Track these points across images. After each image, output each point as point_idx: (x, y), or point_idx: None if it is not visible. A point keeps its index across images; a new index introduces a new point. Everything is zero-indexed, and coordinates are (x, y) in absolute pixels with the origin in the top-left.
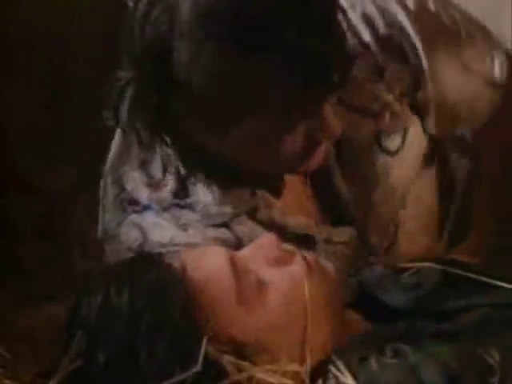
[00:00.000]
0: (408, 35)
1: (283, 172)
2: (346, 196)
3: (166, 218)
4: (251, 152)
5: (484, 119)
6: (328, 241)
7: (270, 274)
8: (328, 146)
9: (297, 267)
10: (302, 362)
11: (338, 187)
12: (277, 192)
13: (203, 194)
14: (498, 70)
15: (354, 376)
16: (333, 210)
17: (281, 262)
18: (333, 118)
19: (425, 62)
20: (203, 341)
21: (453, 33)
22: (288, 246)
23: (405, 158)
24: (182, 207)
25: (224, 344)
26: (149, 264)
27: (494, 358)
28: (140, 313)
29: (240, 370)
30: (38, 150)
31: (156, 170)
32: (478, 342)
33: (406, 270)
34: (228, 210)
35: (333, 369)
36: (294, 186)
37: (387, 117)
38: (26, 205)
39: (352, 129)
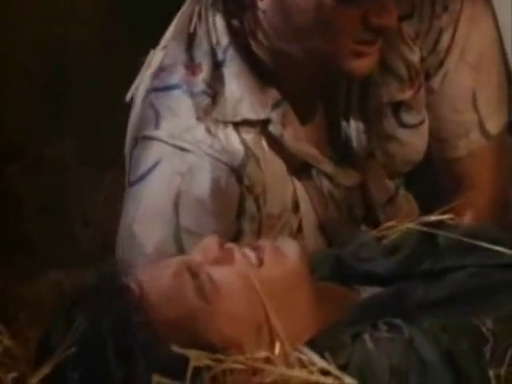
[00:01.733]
0: None
1: (332, 67)
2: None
3: (186, 104)
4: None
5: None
6: (330, 178)
7: (217, 273)
8: (377, 56)
9: (240, 264)
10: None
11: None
12: (300, 113)
13: (230, 88)
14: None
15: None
16: (340, 150)
17: (224, 261)
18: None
19: None
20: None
21: None
22: (230, 245)
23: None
24: (207, 96)
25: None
26: (108, 291)
27: (486, 325)
28: (103, 338)
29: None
30: (39, 121)
31: (199, 53)
32: (469, 309)
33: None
34: (245, 111)
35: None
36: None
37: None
38: (29, 176)
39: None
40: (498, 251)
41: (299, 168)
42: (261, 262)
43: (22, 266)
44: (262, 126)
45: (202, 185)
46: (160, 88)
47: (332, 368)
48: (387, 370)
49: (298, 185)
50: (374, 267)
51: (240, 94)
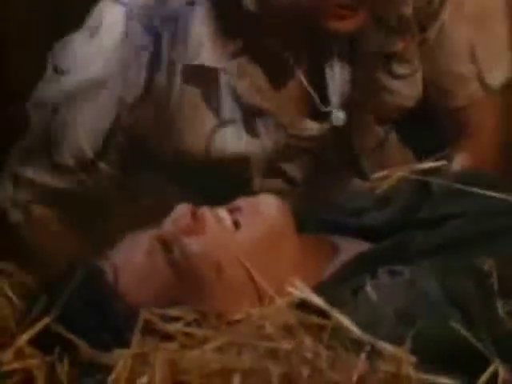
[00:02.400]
0: None
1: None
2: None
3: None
4: None
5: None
6: (292, 127)
7: (191, 244)
8: (363, 17)
9: (214, 231)
10: (267, 303)
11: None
12: (271, 66)
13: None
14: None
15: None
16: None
17: (197, 229)
18: None
19: None
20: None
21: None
22: (203, 210)
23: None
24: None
25: None
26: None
27: (488, 264)
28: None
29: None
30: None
31: None
32: (469, 254)
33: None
34: (204, 58)
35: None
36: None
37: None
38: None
39: (365, 35)
40: (495, 197)
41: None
42: (237, 225)
43: None
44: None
45: None
46: None
47: (331, 309)
48: (393, 316)
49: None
50: (369, 220)
51: (203, 39)
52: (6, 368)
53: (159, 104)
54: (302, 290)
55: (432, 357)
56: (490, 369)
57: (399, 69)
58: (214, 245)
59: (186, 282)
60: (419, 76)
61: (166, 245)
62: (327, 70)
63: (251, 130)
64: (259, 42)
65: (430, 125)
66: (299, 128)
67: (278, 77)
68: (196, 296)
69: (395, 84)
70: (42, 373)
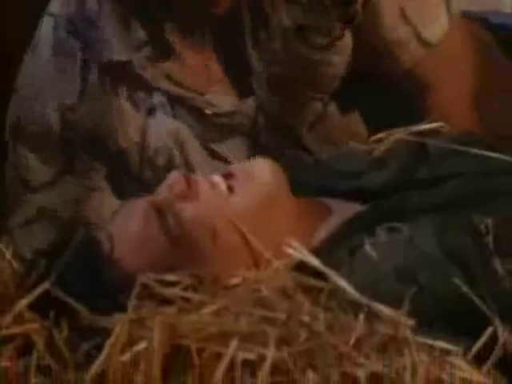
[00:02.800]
0: None
1: None
2: (256, 67)
3: None
4: None
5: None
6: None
7: (185, 211)
8: None
9: (208, 196)
10: (265, 267)
11: (248, 56)
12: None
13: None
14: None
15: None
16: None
17: (192, 195)
18: None
19: None
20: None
21: None
22: (197, 176)
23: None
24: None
25: None
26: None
27: (485, 223)
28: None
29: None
30: None
31: None
32: (467, 213)
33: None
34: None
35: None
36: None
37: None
38: None
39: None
40: (492, 157)
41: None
42: (231, 190)
43: None
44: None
45: None
46: None
47: (328, 271)
48: (392, 273)
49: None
50: (366, 183)
51: (110, 34)
52: (4, 332)
53: (95, 104)
54: (299, 252)
55: (432, 315)
56: (488, 331)
57: (318, 39)
58: (208, 210)
59: (182, 248)
60: (346, 42)
61: (160, 211)
62: (244, 50)
63: (173, 115)
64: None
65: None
66: (216, 106)
67: (192, 61)
68: (192, 262)
69: (320, 55)
70: (41, 337)
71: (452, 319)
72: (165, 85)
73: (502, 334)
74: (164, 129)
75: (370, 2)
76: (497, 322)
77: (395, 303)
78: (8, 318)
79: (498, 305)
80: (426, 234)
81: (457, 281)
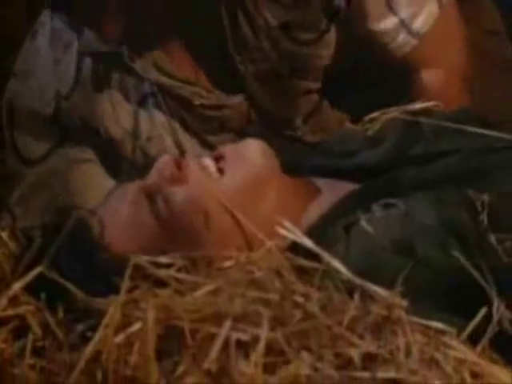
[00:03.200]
0: None
1: None
2: (241, 68)
3: None
4: None
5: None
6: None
7: (175, 194)
8: None
9: (198, 179)
10: (257, 247)
11: (232, 57)
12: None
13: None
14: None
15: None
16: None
17: (182, 178)
18: None
19: None
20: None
21: None
22: (187, 159)
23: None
24: None
25: None
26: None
27: (481, 199)
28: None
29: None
30: None
31: None
32: (463, 187)
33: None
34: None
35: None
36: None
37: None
38: None
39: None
40: (487, 134)
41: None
42: (221, 172)
43: None
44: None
45: None
46: None
47: (320, 250)
48: (389, 247)
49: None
50: (360, 160)
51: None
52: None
53: (88, 93)
54: (291, 232)
55: (430, 286)
56: (482, 311)
57: (303, 35)
58: (199, 192)
59: (174, 231)
60: (331, 35)
61: (149, 195)
62: (226, 52)
63: (164, 104)
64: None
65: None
66: (204, 97)
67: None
68: (184, 245)
69: (308, 49)
70: (36, 319)
71: (450, 291)
72: (154, 75)
73: (498, 309)
74: (155, 118)
75: None
76: (494, 295)
77: (393, 276)
78: (3, 301)
79: (495, 279)
80: (423, 207)
81: (455, 253)
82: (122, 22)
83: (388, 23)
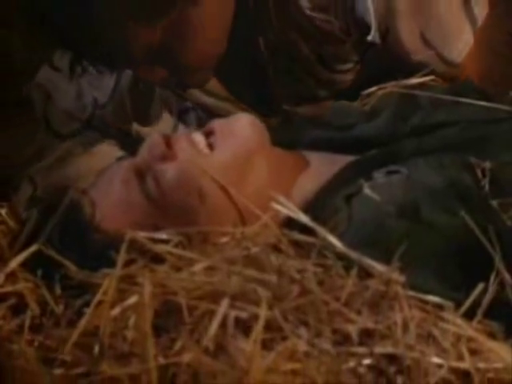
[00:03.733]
0: None
1: None
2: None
3: None
4: None
5: None
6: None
7: (165, 171)
8: None
9: (188, 154)
10: (252, 221)
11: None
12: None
13: None
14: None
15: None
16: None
17: (172, 154)
18: None
19: None
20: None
21: None
22: (177, 135)
23: None
24: None
25: None
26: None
27: (482, 165)
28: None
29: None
30: None
31: None
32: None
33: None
34: None
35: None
36: None
37: None
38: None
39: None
40: (486, 106)
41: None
42: (211, 147)
43: None
44: None
45: None
46: None
47: (316, 226)
48: (393, 212)
49: None
50: (358, 132)
51: None
52: None
53: (125, 105)
54: (286, 207)
55: (435, 249)
56: (479, 287)
57: (339, 66)
58: (189, 169)
59: (165, 209)
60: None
61: (140, 174)
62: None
63: (203, 119)
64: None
65: None
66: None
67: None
68: (177, 223)
69: (340, 77)
70: (34, 296)
71: (455, 254)
72: (201, 98)
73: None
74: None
75: (390, 28)
76: (498, 259)
77: (399, 241)
78: (0, 278)
79: (499, 242)
80: (425, 172)
81: (461, 214)
82: None
83: (424, 56)
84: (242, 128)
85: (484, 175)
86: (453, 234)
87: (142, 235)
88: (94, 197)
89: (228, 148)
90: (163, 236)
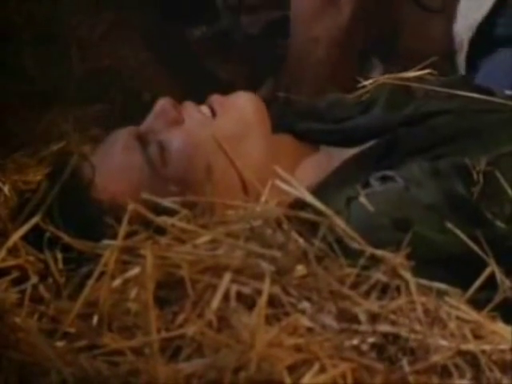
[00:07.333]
0: None
1: None
2: None
3: None
4: None
5: None
6: None
7: (169, 138)
8: None
9: (192, 120)
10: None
11: None
12: None
13: None
14: None
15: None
16: None
17: (177, 120)
18: None
19: None
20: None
21: None
22: (184, 104)
23: None
24: None
25: None
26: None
27: (478, 166)
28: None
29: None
30: None
31: None
32: (458, 149)
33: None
34: None
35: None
36: None
37: None
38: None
39: None
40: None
41: None
42: (214, 114)
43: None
44: None
45: None
46: None
47: (317, 202)
48: (390, 224)
49: None
50: (352, 124)
51: None
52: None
53: None
54: (294, 188)
55: (429, 261)
56: (486, 272)
57: None
58: (196, 142)
59: (168, 180)
60: None
61: (142, 140)
62: None
63: None
64: None
65: None
66: None
67: None
68: (178, 195)
69: None
70: (35, 269)
71: (449, 266)
72: None
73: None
74: None
75: None
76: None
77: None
78: (2, 251)
79: (494, 251)
80: (420, 180)
81: (452, 227)
82: None
83: None
84: (243, 102)
85: (478, 178)
86: (445, 248)
87: (145, 196)
88: (95, 162)
89: (230, 117)
90: (167, 203)
